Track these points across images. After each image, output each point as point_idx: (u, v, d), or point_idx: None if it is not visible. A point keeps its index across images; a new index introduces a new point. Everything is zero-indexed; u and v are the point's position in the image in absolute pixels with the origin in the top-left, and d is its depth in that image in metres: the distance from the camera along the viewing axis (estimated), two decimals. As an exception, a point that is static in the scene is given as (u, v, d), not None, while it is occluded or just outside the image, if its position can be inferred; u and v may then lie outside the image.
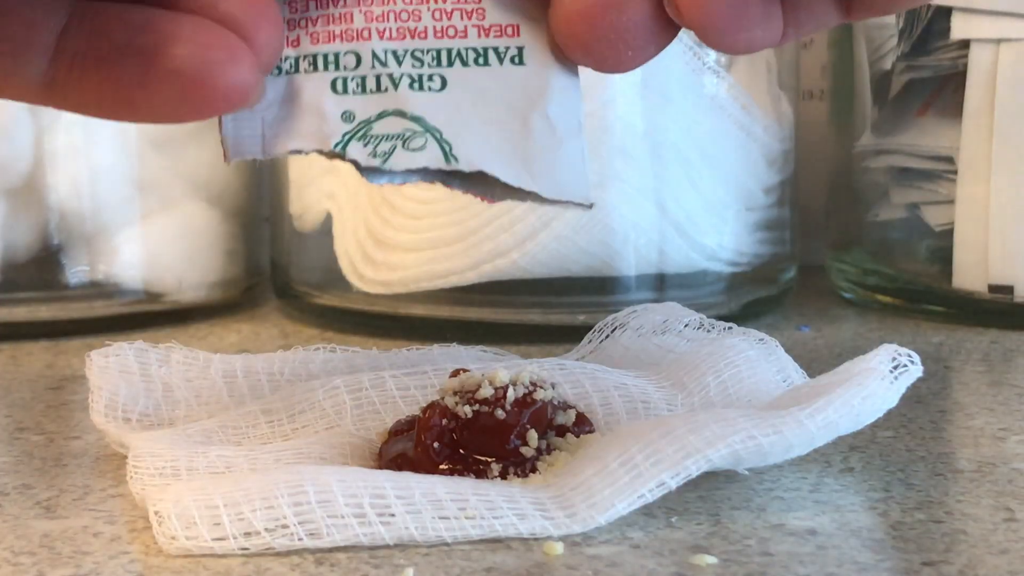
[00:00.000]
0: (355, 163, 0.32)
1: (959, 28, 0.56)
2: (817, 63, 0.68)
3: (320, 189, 0.57)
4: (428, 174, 0.33)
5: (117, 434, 0.38)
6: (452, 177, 0.33)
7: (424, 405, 0.35)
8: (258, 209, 0.63)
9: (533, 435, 0.35)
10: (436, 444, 0.34)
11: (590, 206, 0.33)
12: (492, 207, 0.52)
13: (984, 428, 0.41)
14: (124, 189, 0.57)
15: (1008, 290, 0.56)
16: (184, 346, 0.42)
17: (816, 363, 0.48)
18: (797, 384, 0.39)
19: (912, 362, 0.35)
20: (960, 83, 0.56)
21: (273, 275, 0.61)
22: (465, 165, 0.33)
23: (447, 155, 0.32)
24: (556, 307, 0.54)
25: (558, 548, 0.31)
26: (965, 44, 0.56)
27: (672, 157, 0.53)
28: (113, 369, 0.41)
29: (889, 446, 0.39)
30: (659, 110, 0.53)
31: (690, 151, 0.54)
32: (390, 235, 0.54)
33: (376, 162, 0.32)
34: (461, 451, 0.34)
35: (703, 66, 0.54)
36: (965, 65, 0.56)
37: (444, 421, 0.34)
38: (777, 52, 0.58)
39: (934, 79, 0.59)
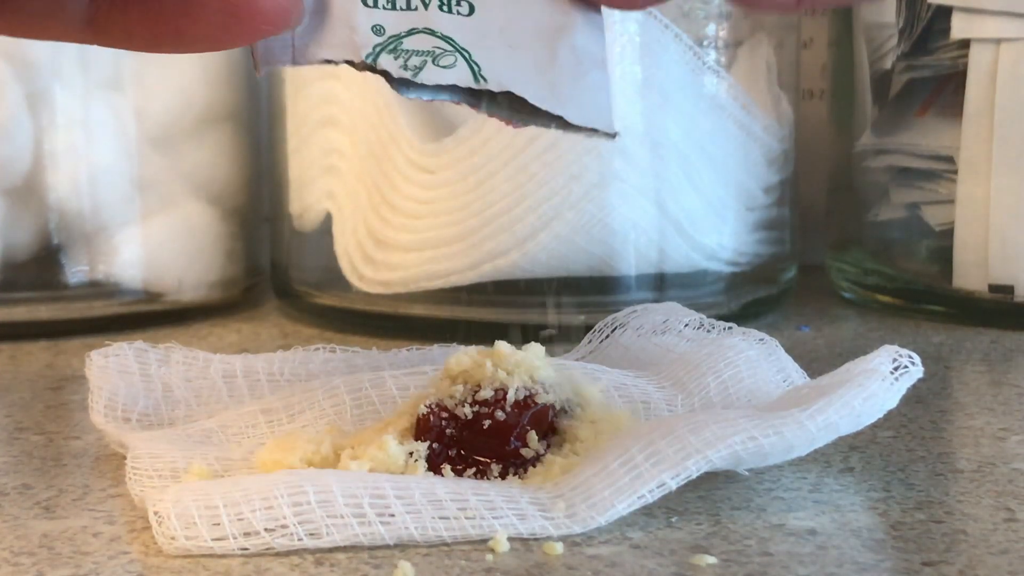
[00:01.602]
0: (386, 74, 0.33)
1: (959, 28, 0.56)
2: (817, 63, 0.68)
3: (320, 189, 0.57)
4: (457, 92, 0.33)
5: (117, 434, 0.38)
6: (479, 98, 0.33)
7: (423, 404, 0.35)
8: (258, 209, 0.63)
9: (533, 436, 0.35)
10: (436, 444, 0.34)
11: (614, 135, 0.33)
12: (492, 206, 0.52)
13: (984, 428, 0.41)
14: (124, 189, 0.57)
15: (1008, 290, 0.56)
16: (184, 346, 0.42)
17: (816, 363, 0.48)
18: (797, 384, 0.39)
19: (912, 363, 0.35)
20: (960, 83, 0.56)
21: (273, 275, 0.61)
22: (494, 85, 0.33)
23: (476, 74, 0.33)
24: (556, 307, 0.54)
25: (558, 548, 0.31)
26: (965, 44, 0.56)
27: (672, 157, 0.53)
28: (113, 369, 0.41)
29: (889, 446, 0.39)
30: (659, 110, 0.53)
31: (690, 151, 0.54)
32: (390, 235, 0.54)
33: (407, 74, 0.33)
34: (461, 451, 0.34)
35: (703, 66, 0.54)
36: (965, 65, 0.56)
37: (443, 422, 0.34)
38: (777, 52, 0.58)
39: (934, 79, 0.59)
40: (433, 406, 0.35)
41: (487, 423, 0.34)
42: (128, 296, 0.57)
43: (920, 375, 0.35)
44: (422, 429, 0.35)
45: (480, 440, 0.34)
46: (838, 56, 0.64)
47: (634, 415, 0.38)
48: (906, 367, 0.35)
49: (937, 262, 0.58)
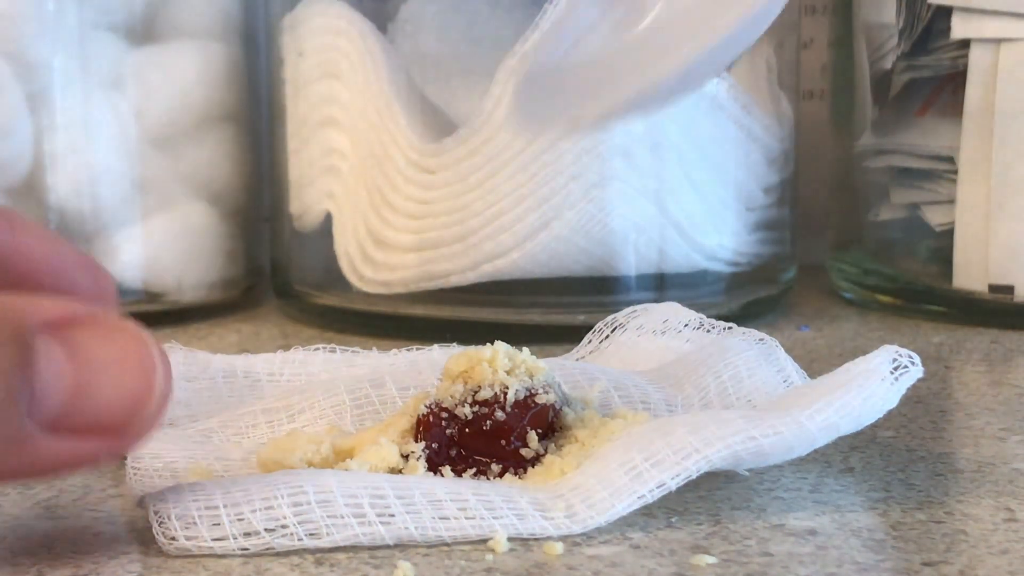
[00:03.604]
0: None
1: (959, 28, 0.56)
2: (817, 63, 0.68)
3: (320, 189, 0.57)
4: None
5: (117, 434, 0.38)
6: None
7: (423, 404, 0.35)
8: (258, 209, 0.63)
9: (533, 436, 0.35)
10: (435, 445, 0.34)
11: None
12: (492, 206, 0.52)
13: (984, 428, 0.41)
14: (124, 189, 0.57)
15: (1008, 290, 0.56)
16: (184, 346, 0.42)
17: (816, 363, 0.48)
18: (797, 385, 0.39)
19: (912, 363, 0.35)
20: (960, 83, 0.56)
21: (273, 275, 0.61)
22: None
23: None
24: (556, 307, 0.54)
25: (558, 548, 0.31)
26: (965, 44, 0.56)
27: (672, 157, 0.53)
28: (113, 369, 0.41)
29: (889, 446, 0.39)
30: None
31: (690, 151, 0.54)
32: (390, 235, 0.54)
33: None
34: (461, 451, 0.34)
35: (703, 66, 0.54)
36: (965, 65, 0.56)
37: (443, 422, 0.34)
38: (777, 52, 0.58)
39: (934, 79, 0.59)
40: (433, 406, 0.35)
41: (487, 423, 0.34)
42: (128, 296, 0.57)
43: (920, 375, 0.35)
44: (422, 429, 0.35)
45: (480, 440, 0.34)
46: (838, 56, 0.64)
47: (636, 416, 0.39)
48: (906, 367, 0.35)
49: (937, 262, 0.58)
